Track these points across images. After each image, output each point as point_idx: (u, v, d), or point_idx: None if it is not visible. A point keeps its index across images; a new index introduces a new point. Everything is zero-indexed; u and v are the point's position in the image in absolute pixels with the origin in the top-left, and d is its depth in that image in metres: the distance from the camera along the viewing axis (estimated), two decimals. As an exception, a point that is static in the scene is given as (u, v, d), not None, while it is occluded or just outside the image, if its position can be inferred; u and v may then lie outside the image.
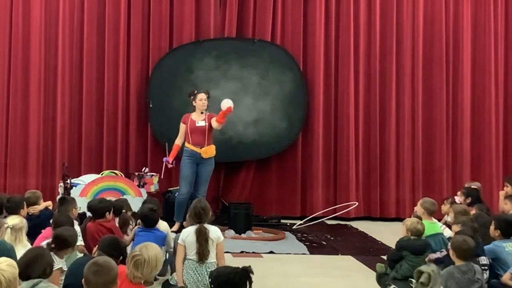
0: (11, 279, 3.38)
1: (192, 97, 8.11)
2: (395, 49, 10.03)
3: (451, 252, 5.05)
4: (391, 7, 10.03)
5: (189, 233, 5.22)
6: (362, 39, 9.99)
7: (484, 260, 5.37)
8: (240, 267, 3.84)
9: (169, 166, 8.16)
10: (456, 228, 5.38)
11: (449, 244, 5.14)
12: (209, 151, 8.03)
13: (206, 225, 5.22)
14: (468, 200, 7.30)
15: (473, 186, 7.78)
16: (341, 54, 9.97)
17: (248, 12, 9.86)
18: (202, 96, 8.05)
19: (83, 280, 3.57)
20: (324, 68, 9.91)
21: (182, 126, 8.07)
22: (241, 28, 9.88)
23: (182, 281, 5.14)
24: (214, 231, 5.23)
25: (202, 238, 5.14)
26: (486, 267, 5.33)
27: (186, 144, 8.03)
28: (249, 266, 3.85)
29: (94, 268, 3.57)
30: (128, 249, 5.23)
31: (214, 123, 7.92)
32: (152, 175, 8.51)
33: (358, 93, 9.98)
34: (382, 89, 10.02)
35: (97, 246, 4.62)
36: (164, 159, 8.16)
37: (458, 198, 7.46)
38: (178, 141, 8.12)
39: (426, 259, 6.02)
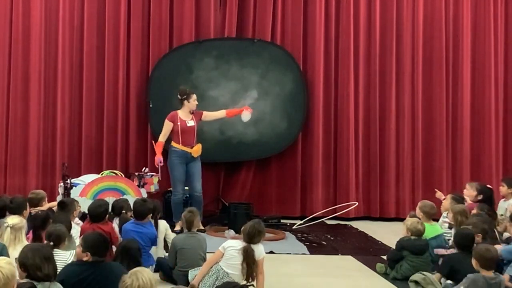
0: (9, 276, 3.41)
1: (185, 96, 8.11)
2: (395, 49, 10.01)
3: (474, 262, 4.95)
4: (391, 7, 10.03)
5: (234, 248, 5.20)
6: (362, 39, 9.98)
7: None
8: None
9: (161, 165, 8.15)
10: (477, 238, 5.35)
11: (473, 253, 5.04)
12: (198, 150, 8.10)
13: (253, 246, 5.18)
14: (479, 197, 7.14)
15: (488, 186, 7.63)
16: (341, 54, 9.96)
17: (248, 12, 9.86)
18: (195, 96, 8.17)
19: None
20: (324, 68, 9.91)
21: (170, 125, 8.05)
22: (241, 28, 9.87)
23: (198, 283, 5.12)
24: (258, 252, 5.19)
25: (250, 259, 5.12)
26: None
27: (175, 145, 7.98)
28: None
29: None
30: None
31: (215, 115, 8.33)
32: (152, 175, 8.50)
33: (358, 93, 9.97)
34: (382, 89, 10.01)
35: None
36: (158, 160, 8.10)
37: (466, 191, 7.32)
38: (163, 139, 8.13)
39: (435, 252, 6.02)
